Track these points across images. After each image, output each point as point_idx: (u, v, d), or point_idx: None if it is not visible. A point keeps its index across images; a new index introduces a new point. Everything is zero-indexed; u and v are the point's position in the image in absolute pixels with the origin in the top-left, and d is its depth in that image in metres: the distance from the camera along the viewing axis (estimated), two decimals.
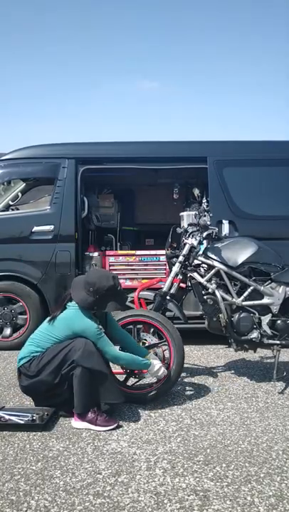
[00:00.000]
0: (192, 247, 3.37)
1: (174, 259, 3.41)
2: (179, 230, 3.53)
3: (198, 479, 2.14)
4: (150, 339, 3.18)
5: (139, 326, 3.24)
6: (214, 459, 2.33)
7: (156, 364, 2.92)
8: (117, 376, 3.12)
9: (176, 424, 2.77)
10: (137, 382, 3.18)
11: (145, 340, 3.18)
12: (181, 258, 3.35)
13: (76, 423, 2.74)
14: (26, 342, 2.95)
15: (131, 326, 3.20)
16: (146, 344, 3.16)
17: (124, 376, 3.16)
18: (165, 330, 3.09)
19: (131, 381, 3.18)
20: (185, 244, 3.38)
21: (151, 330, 3.22)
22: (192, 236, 3.40)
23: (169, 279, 3.35)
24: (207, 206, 3.58)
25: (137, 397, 3.06)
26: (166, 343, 3.11)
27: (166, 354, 3.15)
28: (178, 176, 5.57)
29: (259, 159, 4.81)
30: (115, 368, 3.09)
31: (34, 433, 2.66)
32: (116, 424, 2.72)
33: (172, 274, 3.35)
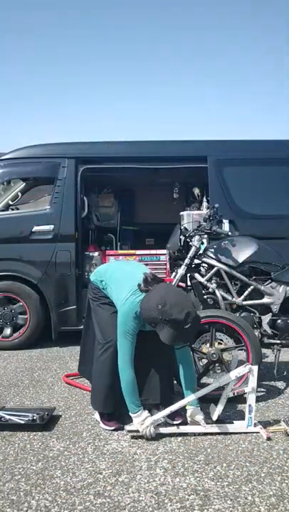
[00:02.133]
0: (197, 249, 3.37)
1: (179, 262, 3.39)
2: (185, 232, 3.50)
3: (198, 479, 2.14)
4: (227, 340, 3.13)
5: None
6: (215, 459, 2.33)
7: (147, 420, 2.56)
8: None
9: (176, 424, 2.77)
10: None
11: (221, 340, 3.14)
12: (187, 261, 3.33)
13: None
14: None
15: (206, 326, 3.12)
16: (222, 346, 3.12)
17: (200, 374, 3.13)
18: (245, 334, 3.02)
19: (204, 380, 3.15)
20: (191, 247, 3.37)
21: (223, 330, 3.17)
22: (195, 237, 3.38)
23: (175, 281, 3.34)
24: (217, 209, 3.55)
25: (211, 398, 2.99)
26: (244, 347, 3.04)
27: (242, 357, 3.11)
28: (178, 175, 5.56)
29: (259, 158, 4.80)
30: None
31: (34, 433, 2.66)
32: (116, 425, 2.71)
33: (178, 276, 3.34)
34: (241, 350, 3.10)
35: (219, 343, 3.13)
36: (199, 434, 2.60)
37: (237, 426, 2.67)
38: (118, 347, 2.61)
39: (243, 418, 2.71)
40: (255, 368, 2.69)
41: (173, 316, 2.38)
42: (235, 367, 3.09)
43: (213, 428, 2.63)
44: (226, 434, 2.60)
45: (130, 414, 2.60)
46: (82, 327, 4.67)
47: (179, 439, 2.56)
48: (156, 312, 2.41)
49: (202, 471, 2.22)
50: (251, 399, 2.66)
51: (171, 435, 2.60)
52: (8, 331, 4.69)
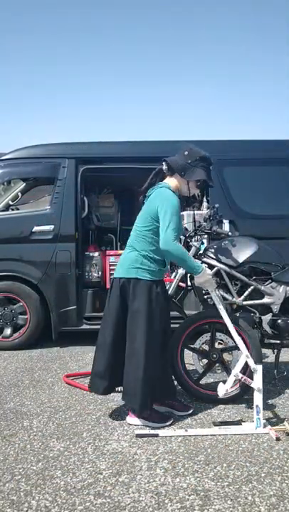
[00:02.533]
0: (197, 249, 3.36)
1: None
2: (185, 233, 3.50)
3: (199, 479, 2.14)
4: (227, 340, 3.12)
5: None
6: (215, 459, 2.33)
7: (208, 272, 2.83)
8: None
9: (177, 423, 2.77)
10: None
11: (222, 340, 3.13)
12: None
13: (131, 419, 2.77)
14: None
15: (207, 326, 3.14)
16: (223, 346, 3.12)
17: (200, 374, 3.14)
18: (245, 334, 3.01)
19: (204, 380, 3.16)
20: (191, 247, 3.36)
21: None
22: (195, 237, 3.38)
23: (175, 281, 3.34)
24: (217, 209, 3.55)
25: (211, 398, 3.03)
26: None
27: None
28: None
29: (259, 158, 4.80)
30: None
31: (35, 433, 2.66)
32: (172, 420, 2.76)
33: (178, 276, 3.34)
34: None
35: (219, 343, 3.13)
36: (200, 434, 2.60)
37: (245, 428, 2.66)
38: (170, 225, 2.64)
39: (249, 419, 2.72)
40: (260, 368, 2.70)
41: (201, 154, 2.81)
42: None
43: (222, 430, 2.63)
44: (233, 435, 2.61)
45: (195, 275, 2.78)
46: (82, 327, 4.73)
47: (179, 439, 2.56)
48: (184, 158, 2.80)
49: (202, 471, 2.22)
50: (258, 399, 2.66)
51: (171, 435, 2.60)
52: (8, 331, 4.69)
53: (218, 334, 3.13)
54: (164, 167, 2.87)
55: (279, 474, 2.18)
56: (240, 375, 2.72)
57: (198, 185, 2.91)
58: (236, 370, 2.72)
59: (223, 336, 3.14)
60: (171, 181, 2.86)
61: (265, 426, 2.66)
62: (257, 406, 2.65)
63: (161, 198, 2.73)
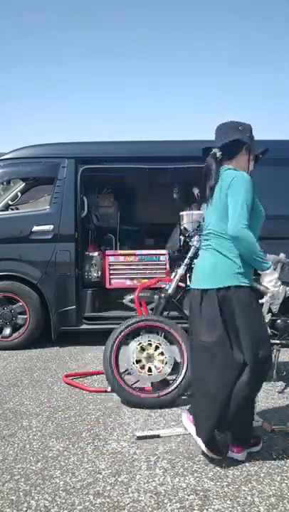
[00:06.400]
0: (196, 249, 3.37)
1: (179, 262, 3.40)
2: (185, 232, 3.50)
3: (198, 479, 2.14)
4: (159, 341, 3.11)
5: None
6: (214, 459, 2.33)
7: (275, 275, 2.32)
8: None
9: (176, 423, 2.77)
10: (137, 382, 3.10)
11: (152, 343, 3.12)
12: (187, 261, 3.34)
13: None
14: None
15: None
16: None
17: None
18: (178, 334, 3.05)
19: (131, 381, 3.12)
20: (190, 247, 3.37)
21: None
22: (194, 237, 3.38)
23: (174, 281, 3.34)
24: None
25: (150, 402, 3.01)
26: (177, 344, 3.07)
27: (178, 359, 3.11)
28: (178, 175, 5.56)
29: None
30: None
31: (34, 433, 2.66)
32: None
33: (178, 276, 3.34)
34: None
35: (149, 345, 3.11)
36: None
37: None
38: (242, 205, 2.21)
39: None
40: None
41: (250, 126, 2.42)
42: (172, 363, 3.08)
43: None
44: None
45: (261, 271, 2.31)
46: (82, 327, 4.73)
47: (179, 439, 2.56)
48: (242, 133, 2.38)
49: (202, 471, 2.21)
50: None
51: (170, 435, 2.60)
52: (7, 331, 4.69)
53: (151, 336, 3.11)
54: (219, 153, 2.39)
55: (278, 474, 2.18)
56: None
57: (255, 160, 2.49)
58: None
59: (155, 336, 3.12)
60: (233, 164, 2.40)
61: (257, 421, 2.69)
62: None
63: (233, 178, 2.28)
